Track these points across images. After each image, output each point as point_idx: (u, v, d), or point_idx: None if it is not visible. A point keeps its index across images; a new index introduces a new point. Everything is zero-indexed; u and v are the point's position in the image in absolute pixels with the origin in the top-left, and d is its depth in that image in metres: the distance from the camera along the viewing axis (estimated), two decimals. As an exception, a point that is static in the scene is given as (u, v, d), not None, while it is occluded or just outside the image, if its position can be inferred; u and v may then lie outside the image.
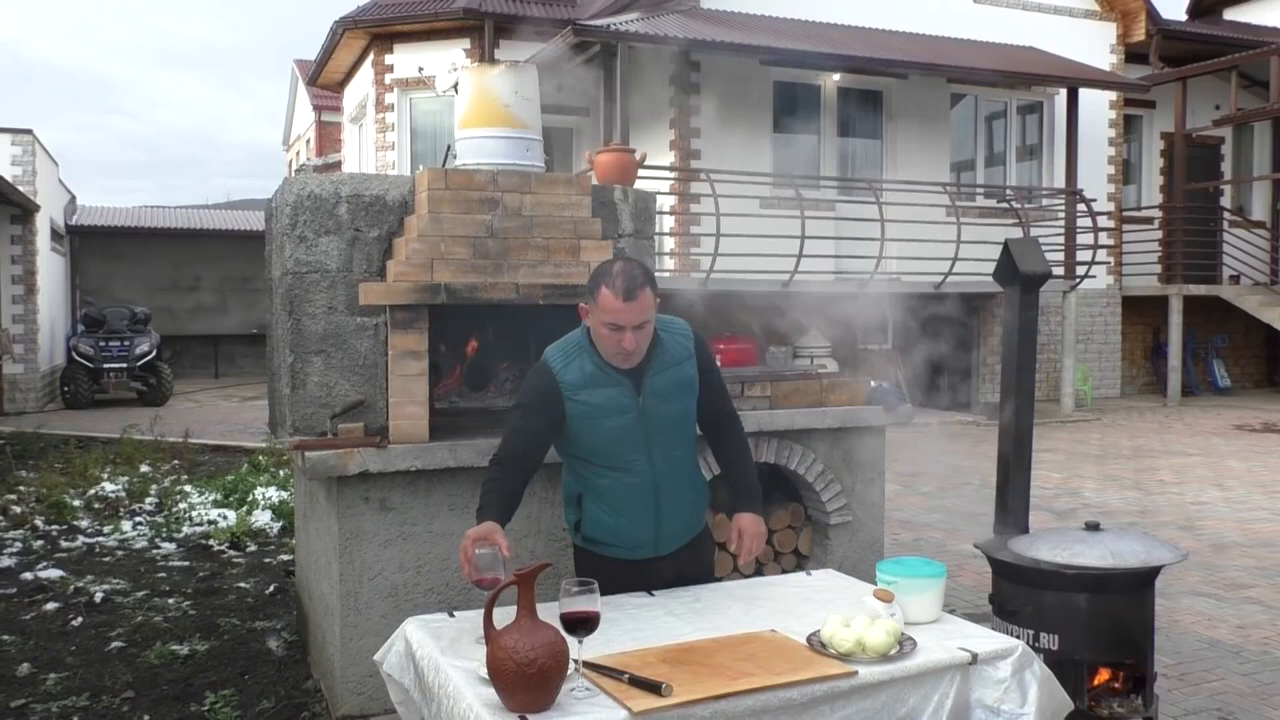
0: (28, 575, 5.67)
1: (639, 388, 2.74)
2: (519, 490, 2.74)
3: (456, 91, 3.93)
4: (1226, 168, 17.29)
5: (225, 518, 6.97)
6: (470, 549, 2.46)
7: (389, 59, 14.48)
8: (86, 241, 20.74)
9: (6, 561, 6.01)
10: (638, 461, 2.77)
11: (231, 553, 6.27)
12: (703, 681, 2.12)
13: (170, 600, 5.23)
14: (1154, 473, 9.12)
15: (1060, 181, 14.05)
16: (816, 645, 2.32)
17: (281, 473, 8.33)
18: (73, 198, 20.89)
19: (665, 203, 11.99)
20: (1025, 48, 14.54)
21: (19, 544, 6.48)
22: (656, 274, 4.16)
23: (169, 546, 6.42)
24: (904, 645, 2.32)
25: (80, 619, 4.90)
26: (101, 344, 15.38)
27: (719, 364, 3.10)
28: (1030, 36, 14.66)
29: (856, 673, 2.20)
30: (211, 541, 6.46)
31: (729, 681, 2.12)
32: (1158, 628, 3.22)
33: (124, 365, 15.33)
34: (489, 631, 2.07)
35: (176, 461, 9.38)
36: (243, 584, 5.53)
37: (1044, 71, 13.40)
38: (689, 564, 2.92)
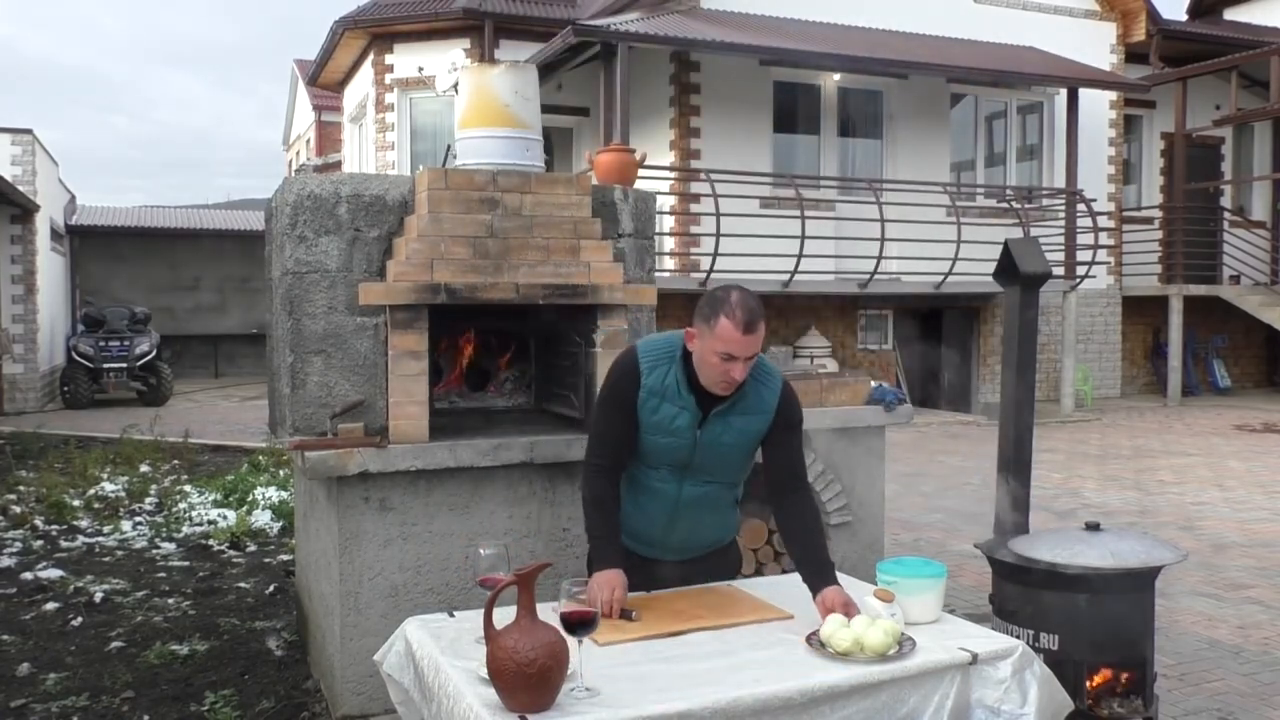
0: (28, 575, 5.67)
1: (704, 420, 2.72)
2: (618, 496, 2.83)
3: (456, 91, 3.93)
4: (1226, 168, 17.29)
5: (225, 518, 6.96)
6: (612, 593, 2.55)
7: (389, 59, 14.49)
8: (86, 241, 20.73)
9: (6, 561, 6.00)
10: (669, 476, 2.80)
11: (231, 553, 6.26)
12: (662, 621, 2.50)
13: (170, 600, 5.23)
14: (1154, 473, 9.12)
15: (1060, 181, 14.05)
16: (815, 644, 2.34)
17: (281, 473, 8.33)
18: (72, 197, 20.89)
19: (665, 203, 11.99)
20: (1025, 48, 14.54)
21: (19, 544, 6.48)
22: (656, 274, 4.18)
23: (169, 546, 6.42)
24: (903, 645, 2.32)
25: (80, 619, 4.90)
26: (101, 344, 15.37)
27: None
28: (1030, 36, 14.66)
29: (793, 616, 2.51)
30: (211, 541, 6.46)
31: (684, 622, 2.49)
32: (1158, 628, 3.22)
33: (124, 365, 15.32)
34: (489, 631, 2.07)
35: (176, 461, 9.38)
36: (243, 584, 5.53)
37: (1044, 71, 13.40)
38: (704, 571, 2.93)
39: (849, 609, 2.47)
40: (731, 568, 3.09)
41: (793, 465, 2.84)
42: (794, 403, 2.83)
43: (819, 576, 2.63)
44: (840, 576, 3.00)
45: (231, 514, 7.05)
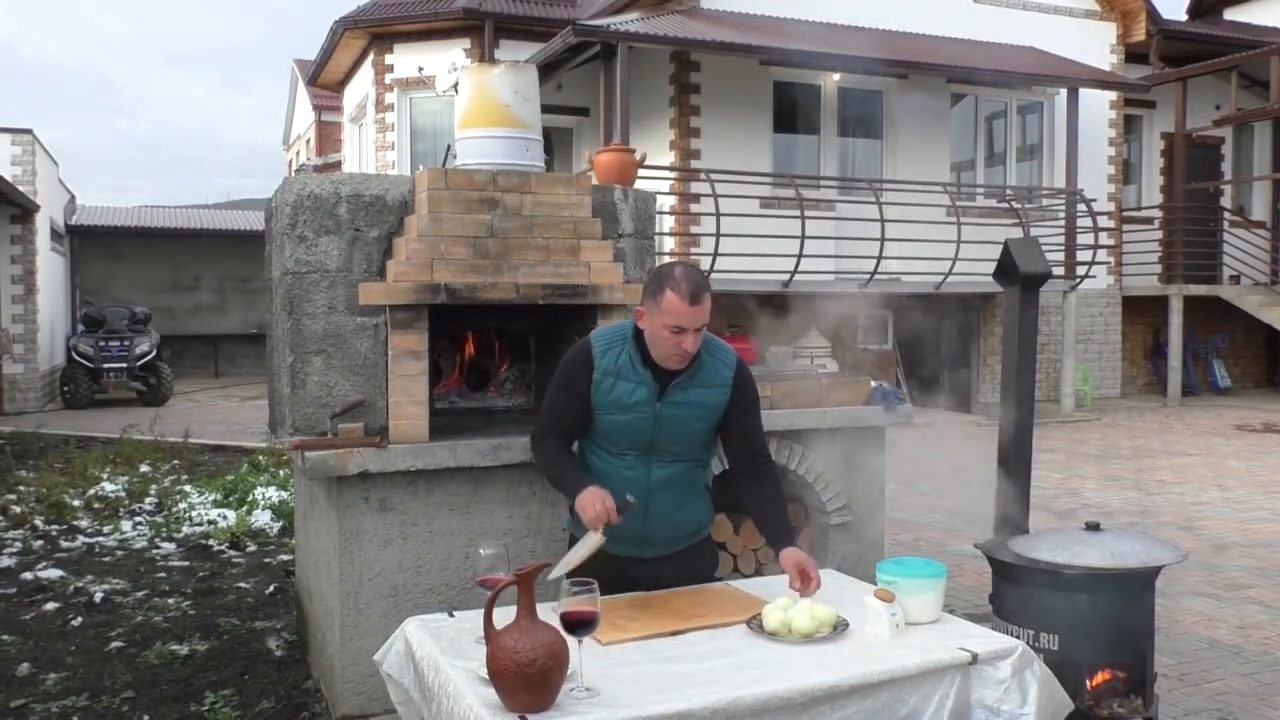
0: (28, 575, 5.67)
1: (661, 393, 2.78)
2: (573, 454, 2.95)
3: (456, 91, 3.93)
4: (1226, 168, 17.28)
5: (225, 518, 6.97)
6: (604, 503, 2.66)
7: (389, 59, 14.49)
8: (86, 241, 20.74)
9: (6, 561, 6.01)
10: (637, 458, 2.83)
11: (231, 553, 6.27)
12: (662, 621, 2.51)
13: (170, 600, 5.23)
14: (1154, 473, 9.12)
15: (1060, 181, 14.05)
16: (754, 625, 2.46)
17: (281, 473, 8.33)
18: (72, 197, 20.89)
19: (665, 203, 11.98)
20: (1025, 48, 14.53)
21: (19, 544, 6.48)
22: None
23: (169, 546, 6.42)
24: (837, 627, 2.42)
25: (80, 619, 4.90)
26: (101, 344, 15.37)
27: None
28: (1030, 36, 14.66)
29: (763, 606, 2.49)
30: (211, 541, 6.46)
31: (684, 621, 2.50)
32: (1158, 628, 3.22)
33: (124, 365, 15.33)
34: (489, 631, 2.07)
35: (176, 461, 9.38)
36: (243, 584, 5.53)
37: (1044, 71, 13.39)
38: (679, 570, 2.92)
39: (805, 568, 2.62)
40: (709, 565, 3.10)
41: (754, 442, 2.92)
42: (749, 377, 2.92)
43: (779, 540, 2.78)
44: (840, 576, 3.02)
45: (231, 514, 7.05)
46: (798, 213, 11.15)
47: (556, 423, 2.93)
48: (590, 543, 2.65)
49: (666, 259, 11.92)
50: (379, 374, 3.69)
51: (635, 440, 2.82)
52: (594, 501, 2.68)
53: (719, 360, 2.85)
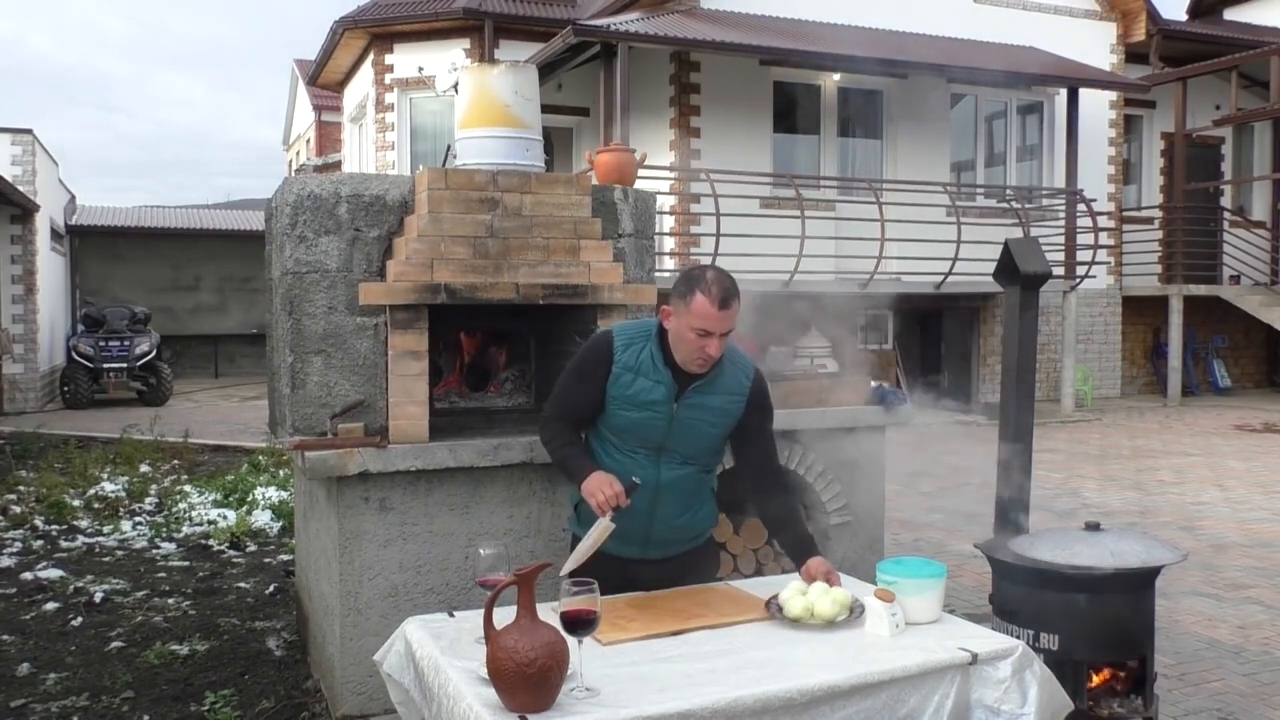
0: (28, 575, 5.67)
1: (679, 395, 2.78)
2: (581, 438, 2.94)
3: (456, 91, 3.93)
4: (1226, 168, 17.29)
5: (225, 518, 6.97)
6: (611, 487, 2.66)
7: (389, 59, 14.49)
8: (86, 241, 20.73)
9: (6, 561, 6.01)
10: (647, 457, 2.83)
11: (231, 553, 6.27)
12: (663, 620, 2.51)
13: (170, 600, 5.23)
14: (1154, 473, 9.12)
15: (1060, 181, 14.05)
16: (774, 609, 2.50)
17: (281, 473, 8.33)
18: (72, 197, 20.88)
19: (665, 203, 11.99)
20: (1025, 48, 14.53)
21: (19, 544, 6.48)
22: (656, 274, 4.18)
23: (169, 546, 6.42)
24: (854, 610, 2.47)
25: (80, 619, 4.90)
26: (101, 344, 15.37)
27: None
28: (1030, 36, 14.66)
29: (772, 605, 2.53)
30: (211, 541, 6.46)
31: (685, 621, 2.50)
32: (1158, 628, 3.22)
33: (124, 365, 15.33)
34: (489, 631, 2.07)
35: (176, 461, 9.37)
36: (243, 584, 5.53)
37: (1044, 71, 13.39)
38: (681, 572, 2.92)
39: (830, 577, 2.63)
40: (711, 568, 3.10)
41: (769, 452, 2.93)
42: (766, 388, 2.93)
43: (802, 551, 2.78)
44: (840, 576, 3.01)
45: (231, 514, 7.05)
46: (798, 213, 11.15)
47: (565, 409, 2.94)
48: (600, 529, 2.65)
49: (666, 259, 11.95)
50: (379, 374, 3.69)
51: (647, 440, 2.82)
52: (601, 486, 2.68)
53: (738, 369, 2.86)
